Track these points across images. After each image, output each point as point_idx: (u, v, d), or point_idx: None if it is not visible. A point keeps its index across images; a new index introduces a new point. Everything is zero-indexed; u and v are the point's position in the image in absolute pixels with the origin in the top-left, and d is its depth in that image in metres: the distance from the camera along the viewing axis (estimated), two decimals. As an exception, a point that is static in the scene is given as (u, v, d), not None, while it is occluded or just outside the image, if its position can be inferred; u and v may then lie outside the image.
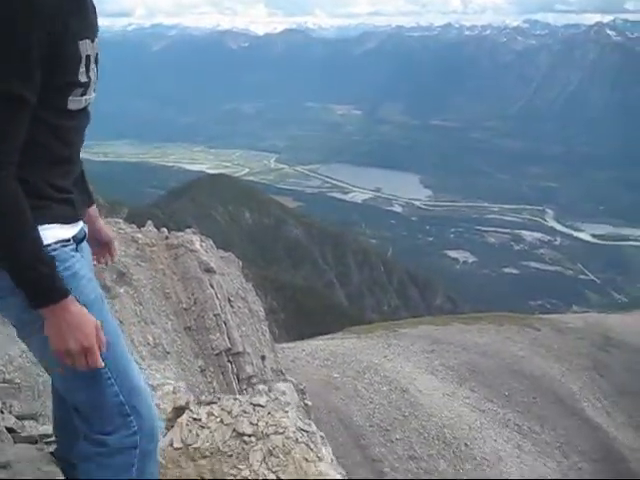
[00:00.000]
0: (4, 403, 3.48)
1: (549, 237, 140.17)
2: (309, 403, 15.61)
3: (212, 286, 13.60)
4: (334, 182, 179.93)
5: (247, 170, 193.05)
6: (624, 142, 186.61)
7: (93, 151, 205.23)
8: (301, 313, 52.53)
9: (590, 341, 28.75)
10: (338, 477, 2.86)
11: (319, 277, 74.01)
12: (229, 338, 13.46)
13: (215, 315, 13.39)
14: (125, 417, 2.04)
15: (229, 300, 14.15)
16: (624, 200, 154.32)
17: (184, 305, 13.08)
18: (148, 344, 11.28)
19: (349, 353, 22.65)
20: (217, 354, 13.13)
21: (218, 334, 13.31)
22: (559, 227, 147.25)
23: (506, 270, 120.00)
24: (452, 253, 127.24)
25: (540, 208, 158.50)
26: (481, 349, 25.48)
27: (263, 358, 14.26)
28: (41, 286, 1.80)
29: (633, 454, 23.09)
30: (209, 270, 13.73)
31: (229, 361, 13.12)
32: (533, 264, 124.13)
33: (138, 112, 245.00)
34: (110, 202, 55.14)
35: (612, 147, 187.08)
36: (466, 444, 19.55)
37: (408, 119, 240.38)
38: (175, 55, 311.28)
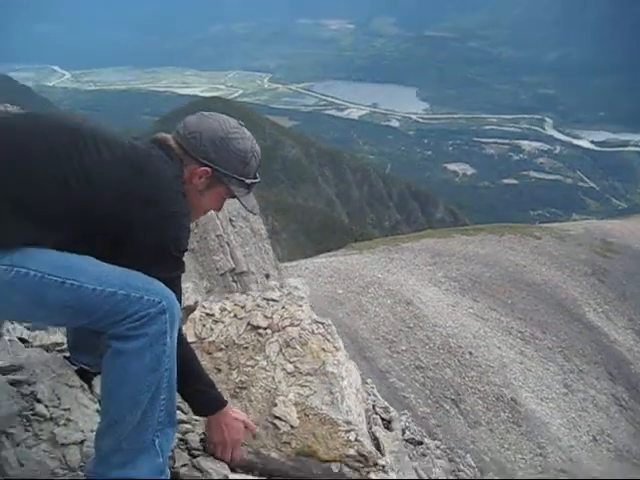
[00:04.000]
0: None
1: (548, 146, 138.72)
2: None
3: (213, 207, 13.53)
4: (329, 99, 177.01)
5: (241, 91, 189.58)
6: (623, 47, 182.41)
7: (83, 80, 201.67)
8: (303, 233, 52.68)
9: (590, 247, 28.93)
10: (353, 367, 2.88)
11: (319, 196, 73.75)
12: (233, 258, 13.49)
13: (217, 236, 13.38)
14: (140, 299, 2.11)
15: (230, 220, 14.11)
16: (624, 105, 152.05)
17: (186, 227, 13.05)
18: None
19: (352, 269, 22.80)
20: (222, 274, 13.19)
21: (222, 255, 13.34)
22: (558, 135, 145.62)
23: (505, 181, 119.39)
24: (451, 166, 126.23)
25: (539, 117, 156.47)
26: (483, 259, 25.66)
27: (267, 276, 14.34)
28: (212, 402, 2.47)
29: (633, 355, 23.58)
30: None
31: (234, 281, 13.20)
32: (532, 174, 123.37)
33: (123, 40, 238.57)
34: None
35: (611, 52, 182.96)
36: (470, 352, 19.92)
37: (402, 31, 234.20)
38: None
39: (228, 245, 13.57)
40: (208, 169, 2.32)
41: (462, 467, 4.50)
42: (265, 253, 15.45)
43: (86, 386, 2.58)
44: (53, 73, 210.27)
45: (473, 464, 4.95)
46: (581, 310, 24.31)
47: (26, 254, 1.98)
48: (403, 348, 19.09)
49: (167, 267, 2.22)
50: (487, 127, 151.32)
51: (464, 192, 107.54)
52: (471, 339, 20.49)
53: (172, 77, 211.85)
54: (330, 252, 29.71)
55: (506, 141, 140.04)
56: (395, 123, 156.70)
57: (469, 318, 21.70)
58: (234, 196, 2.40)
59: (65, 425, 2.38)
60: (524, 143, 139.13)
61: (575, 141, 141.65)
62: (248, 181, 2.39)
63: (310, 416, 2.56)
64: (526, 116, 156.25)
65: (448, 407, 17.97)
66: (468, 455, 4.87)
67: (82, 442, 2.35)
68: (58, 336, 3.28)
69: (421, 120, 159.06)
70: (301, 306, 3.01)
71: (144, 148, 2.26)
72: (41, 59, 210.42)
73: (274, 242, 22.61)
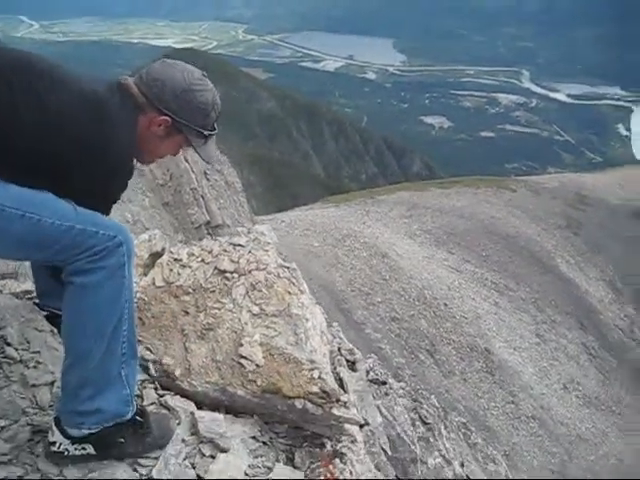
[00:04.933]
0: (-18, 264, 3.50)
1: (525, 99, 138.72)
2: (291, 271, 15.87)
3: (186, 160, 13.43)
4: (305, 51, 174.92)
5: (215, 43, 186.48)
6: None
7: (52, 30, 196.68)
8: (279, 186, 52.52)
9: (564, 200, 29.23)
10: (318, 310, 2.95)
11: (295, 149, 73.42)
12: (208, 211, 13.47)
13: (192, 189, 13.31)
14: (96, 234, 2.16)
15: (205, 174, 14.04)
16: (602, 58, 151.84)
17: (160, 181, 12.95)
18: (127, 222, 11.19)
19: (328, 222, 22.82)
20: (197, 227, 13.17)
21: (196, 208, 13.30)
22: (535, 88, 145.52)
23: (482, 134, 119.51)
24: (428, 119, 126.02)
25: (516, 69, 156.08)
26: (458, 212, 25.81)
27: (240, 227, 14.31)
28: None
29: (604, 306, 24.06)
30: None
31: (209, 234, 13.18)
32: (509, 127, 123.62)
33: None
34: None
35: (592, 4, 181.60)
36: (445, 304, 20.17)
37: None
38: None
39: (203, 198, 13.52)
40: (168, 119, 2.33)
41: (425, 406, 4.67)
42: (240, 206, 15.43)
43: (55, 330, 2.62)
44: (21, 23, 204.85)
45: (437, 404, 5.13)
46: (554, 262, 24.67)
47: None
48: (379, 300, 19.27)
49: (99, 211, 2.29)
50: (464, 79, 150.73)
51: (440, 145, 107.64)
52: (446, 291, 20.74)
53: (144, 28, 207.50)
54: (306, 205, 29.71)
55: (483, 94, 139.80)
56: (372, 75, 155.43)
57: (444, 270, 21.92)
58: (191, 145, 2.43)
59: (35, 367, 2.44)
60: (501, 96, 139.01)
61: (552, 94, 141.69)
62: (206, 132, 2.42)
63: (275, 355, 2.64)
64: (503, 69, 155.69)
65: (423, 357, 18.27)
66: (432, 396, 5.04)
67: (52, 383, 2.42)
68: (28, 284, 3.30)
69: (398, 72, 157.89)
70: (267, 251, 3.07)
71: (103, 95, 2.25)
72: (7, 9, 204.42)
73: (249, 195, 22.54)
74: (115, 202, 2.35)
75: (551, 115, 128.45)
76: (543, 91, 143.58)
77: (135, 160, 2.36)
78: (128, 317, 2.25)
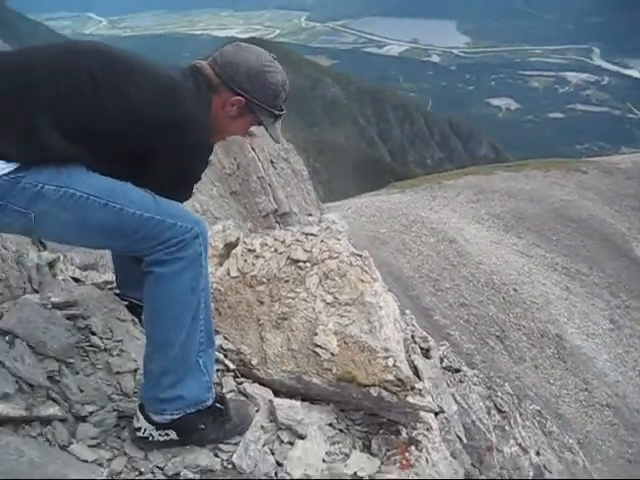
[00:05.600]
0: (65, 256, 3.62)
1: (596, 77, 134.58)
2: (358, 258, 15.87)
3: (253, 149, 13.58)
4: (368, 36, 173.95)
5: (278, 31, 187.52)
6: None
7: (120, 26, 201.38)
8: (344, 173, 52.53)
9: (639, 181, 28.24)
10: (391, 298, 2.96)
11: (360, 135, 73.27)
12: (275, 199, 13.60)
13: (259, 178, 13.46)
14: (174, 226, 2.23)
15: (271, 162, 14.16)
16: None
17: (227, 170, 13.14)
18: (197, 212, 11.40)
19: (395, 208, 22.73)
20: (265, 216, 13.32)
21: (264, 196, 13.45)
22: (606, 65, 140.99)
23: (551, 115, 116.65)
24: (494, 101, 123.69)
25: (586, 47, 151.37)
26: (527, 195, 25.30)
27: (310, 217, 14.39)
28: None
29: (682, 289, 23.20)
30: (249, 133, 13.68)
31: (277, 222, 13.32)
32: (579, 106, 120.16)
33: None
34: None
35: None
36: (515, 289, 19.86)
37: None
38: None
39: (270, 187, 13.65)
40: (242, 99, 2.41)
41: (500, 394, 4.63)
42: (307, 194, 15.51)
43: (136, 320, 2.71)
44: (89, 20, 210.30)
45: (511, 391, 5.08)
46: (629, 245, 23.91)
47: (72, 176, 2.10)
48: (447, 286, 19.12)
49: (183, 194, 2.40)
50: (532, 59, 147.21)
51: (508, 127, 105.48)
52: (515, 276, 20.40)
53: (208, 19, 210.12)
54: (372, 192, 29.61)
55: (551, 73, 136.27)
56: (436, 58, 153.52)
57: (513, 255, 21.56)
58: (261, 124, 2.51)
59: (119, 355, 2.53)
60: (570, 75, 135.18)
61: (624, 71, 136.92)
62: (276, 112, 2.49)
63: (349, 344, 2.67)
64: (572, 46, 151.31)
65: (493, 343, 18.05)
66: (506, 384, 4.99)
67: (135, 370, 2.51)
68: (109, 275, 3.41)
69: (462, 54, 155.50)
70: (339, 239, 3.10)
71: (177, 79, 2.33)
72: (76, 6, 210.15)
73: (315, 183, 22.63)
74: (197, 182, 2.43)
75: (624, 92, 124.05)
76: (615, 68, 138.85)
77: None
78: (205, 306, 2.32)
